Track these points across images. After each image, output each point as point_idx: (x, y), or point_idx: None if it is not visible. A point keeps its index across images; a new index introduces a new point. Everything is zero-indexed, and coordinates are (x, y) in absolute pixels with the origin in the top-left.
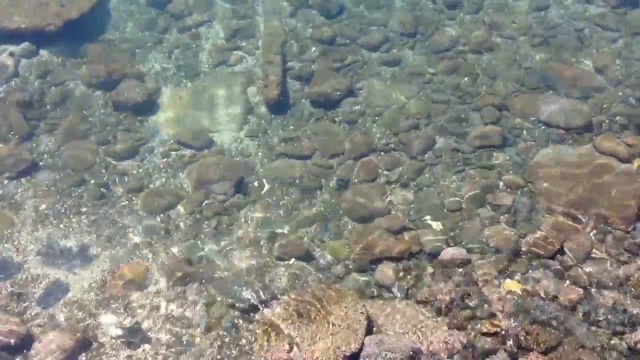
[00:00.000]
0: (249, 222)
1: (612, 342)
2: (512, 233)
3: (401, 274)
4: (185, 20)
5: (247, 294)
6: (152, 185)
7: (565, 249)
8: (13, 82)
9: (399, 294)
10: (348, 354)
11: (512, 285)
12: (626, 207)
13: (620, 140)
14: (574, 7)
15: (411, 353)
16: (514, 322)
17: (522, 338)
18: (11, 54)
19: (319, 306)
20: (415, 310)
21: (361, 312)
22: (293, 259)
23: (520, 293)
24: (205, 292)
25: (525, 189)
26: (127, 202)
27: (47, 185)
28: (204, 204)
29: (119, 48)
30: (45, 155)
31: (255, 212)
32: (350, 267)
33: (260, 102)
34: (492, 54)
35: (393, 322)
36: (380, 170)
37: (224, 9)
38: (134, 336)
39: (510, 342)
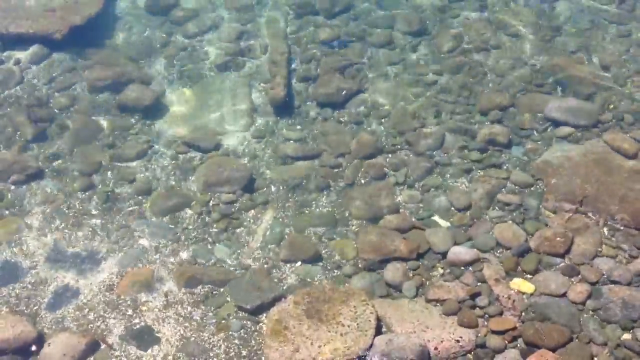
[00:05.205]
0: (257, 223)
1: (622, 337)
2: (521, 231)
3: (410, 273)
4: (189, 23)
5: (255, 295)
6: (159, 188)
7: (574, 246)
8: (20, 87)
9: (408, 294)
10: (357, 354)
11: (521, 283)
12: (636, 204)
13: (628, 137)
14: (581, 2)
15: (421, 352)
16: (523, 320)
17: (532, 336)
18: (18, 59)
19: (327, 306)
20: (425, 310)
21: (370, 312)
22: (301, 259)
23: (530, 291)
24: (213, 294)
25: (533, 187)
26: (135, 205)
27: (55, 190)
28: (211, 205)
29: (125, 52)
30: (52, 160)
31: (263, 213)
32: (359, 266)
33: (267, 103)
34: (498, 52)
35: (402, 321)
36: (388, 170)
37: (227, 11)
38: (143, 338)
39: (520, 340)
